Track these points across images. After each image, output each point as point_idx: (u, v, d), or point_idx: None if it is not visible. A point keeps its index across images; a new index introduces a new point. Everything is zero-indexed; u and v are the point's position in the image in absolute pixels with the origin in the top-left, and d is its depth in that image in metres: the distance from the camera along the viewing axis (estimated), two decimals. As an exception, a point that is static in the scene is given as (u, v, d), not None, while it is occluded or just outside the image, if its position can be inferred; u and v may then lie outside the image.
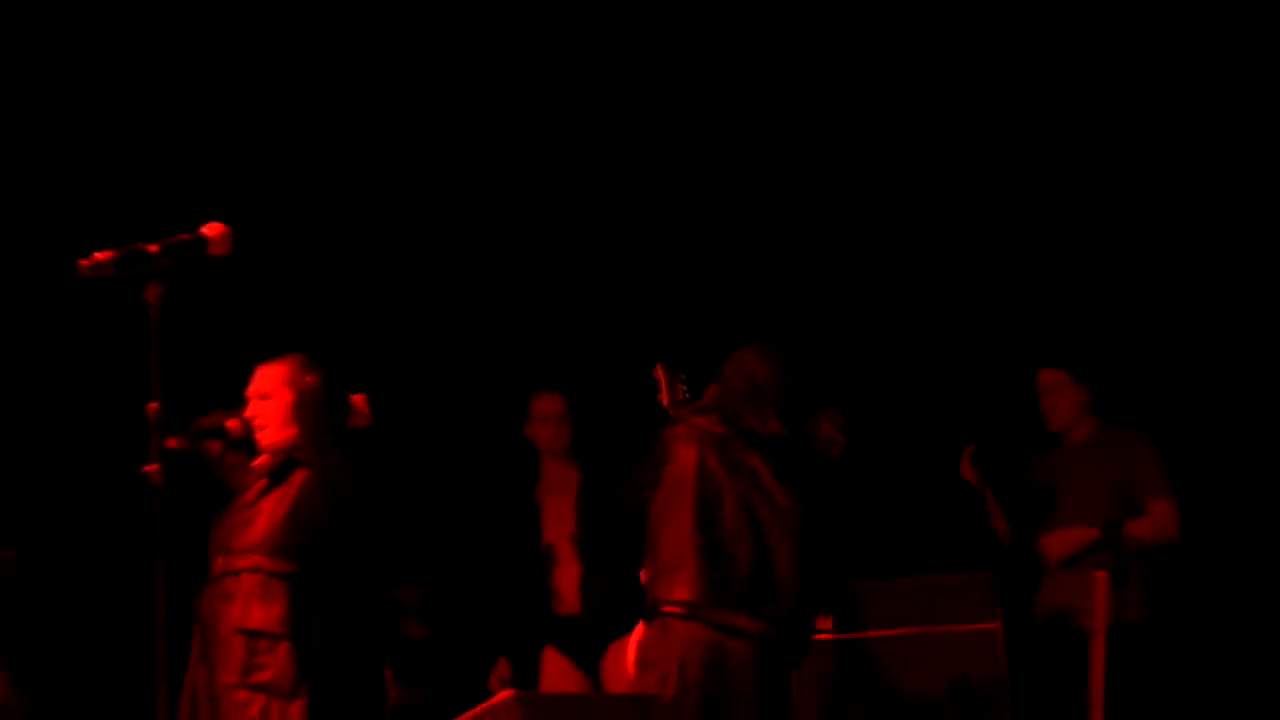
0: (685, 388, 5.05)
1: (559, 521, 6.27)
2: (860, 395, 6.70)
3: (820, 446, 5.74)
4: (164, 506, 3.65)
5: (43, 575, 5.94)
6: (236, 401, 5.02)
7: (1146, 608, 5.64)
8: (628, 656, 5.73)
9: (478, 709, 3.00)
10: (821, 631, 5.58)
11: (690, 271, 7.31)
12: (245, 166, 6.97)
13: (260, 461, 4.94)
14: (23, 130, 6.79)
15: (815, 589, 4.78)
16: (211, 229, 3.77)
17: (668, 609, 4.69)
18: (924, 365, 6.97)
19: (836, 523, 5.02)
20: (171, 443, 3.98)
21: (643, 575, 5.02)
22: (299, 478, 4.86)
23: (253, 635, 4.71)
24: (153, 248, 3.65)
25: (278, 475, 4.88)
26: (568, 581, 6.22)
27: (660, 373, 5.10)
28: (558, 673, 6.16)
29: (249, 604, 4.74)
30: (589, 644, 6.09)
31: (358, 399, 5.12)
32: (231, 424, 4.92)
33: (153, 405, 3.61)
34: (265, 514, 4.82)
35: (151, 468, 3.62)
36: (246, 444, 5.00)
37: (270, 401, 4.91)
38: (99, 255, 3.63)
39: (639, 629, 5.40)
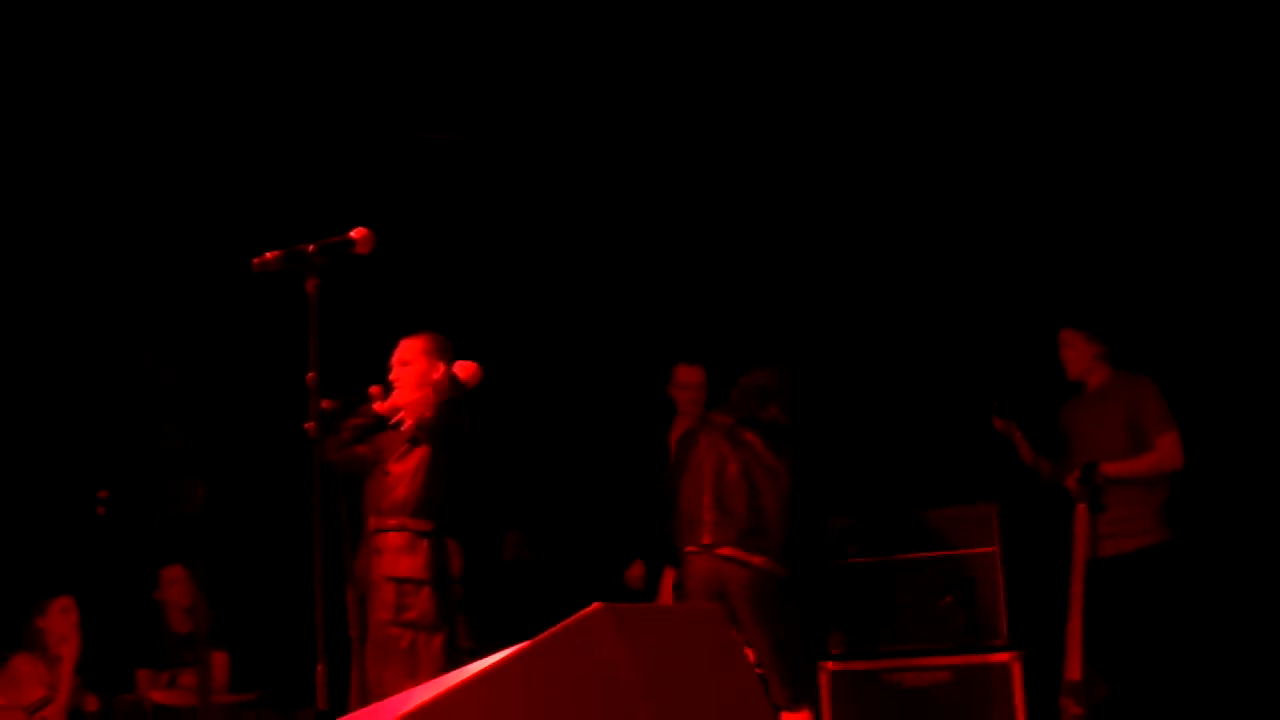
0: None
1: None
2: (917, 363, 6.98)
3: None
4: (319, 455, 3.92)
5: (227, 509, 6.22)
6: (380, 371, 5.43)
7: (1166, 529, 5.82)
8: (664, 590, 6.47)
9: (572, 618, 2.96)
10: (842, 557, 6.21)
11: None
12: (384, 177, 7.16)
13: (401, 430, 5.32)
14: (212, 157, 7.10)
15: (802, 533, 5.74)
16: (358, 232, 4.01)
17: (688, 549, 5.76)
18: (960, 330, 7.00)
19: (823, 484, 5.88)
20: (326, 404, 4.10)
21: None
22: (425, 451, 5.32)
23: (401, 582, 5.20)
24: (310, 248, 3.91)
25: (413, 444, 5.33)
26: None
27: None
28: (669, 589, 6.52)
29: (397, 557, 5.23)
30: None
31: (468, 366, 5.49)
32: (374, 390, 5.36)
33: (311, 375, 3.88)
34: (405, 481, 5.30)
35: (310, 425, 3.92)
36: (379, 424, 5.40)
37: (409, 368, 5.37)
38: (268, 255, 3.94)
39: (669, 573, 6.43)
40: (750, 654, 5.63)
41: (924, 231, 7.12)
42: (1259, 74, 6.47)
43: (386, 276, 5.77)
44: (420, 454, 5.37)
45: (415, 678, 4.95)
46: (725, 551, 5.70)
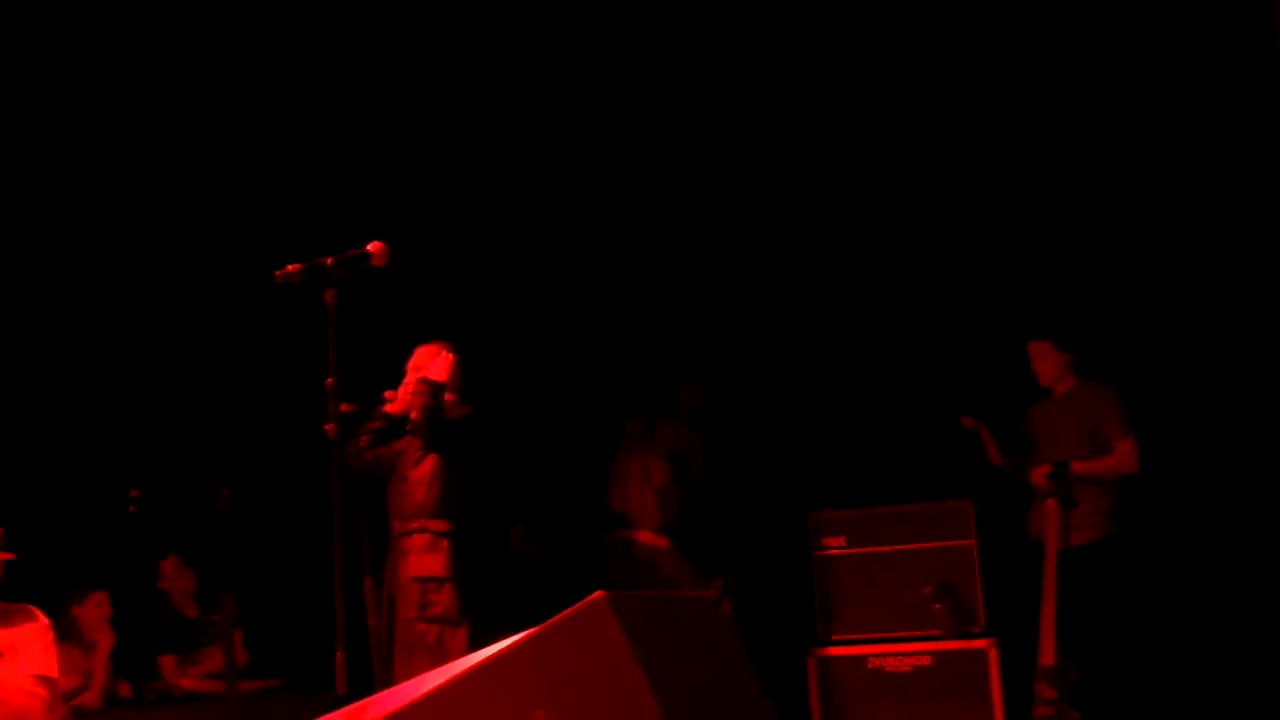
0: None
1: None
2: (896, 370, 7.01)
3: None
4: (338, 455, 3.99)
5: (251, 510, 6.09)
6: (394, 376, 5.51)
7: (1115, 525, 5.94)
8: None
9: (573, 607, 3.02)
10: (830, 549, 6.28)
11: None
12: (399, 193, 7.20)
13: (415, 440, 5.41)
14: (236, 173, 7.17)
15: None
16: (374, 246, 4.03)
17: None
18: (942, 337, 7.01)
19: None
20: (344, 408, 4.14)
21: None
22: (436, 456, 5.39)
23: (424, 581, 5.29)
24: (329, 261, 3.94)
25: (425, 450, 5.41)
26: None
27: None
28: None
29: (420, 557, 5.32)
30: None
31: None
32: (389, 394, 5.45)
33: (330, 380, 3.93)
34: (422, 486, 5.39)
35: (329, 427, 3.97)
36: (394, 428, 5.47)
37: (422, 373, 5.44)
38: (289, 267, 3.96)
39: None
40: None
41: (911, 237, 7.15)
42: (1210, 91, 6.50)
43: (401, 287, 5.71)
44: (433, 459, 5.43)
45: (442, 671, 5.02)
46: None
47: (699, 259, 7.38)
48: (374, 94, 7.20)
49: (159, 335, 7.15)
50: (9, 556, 4.41)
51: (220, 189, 7.18)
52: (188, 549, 6.89)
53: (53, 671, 4.41)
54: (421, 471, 5.43)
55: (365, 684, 4.20)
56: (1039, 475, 5.91)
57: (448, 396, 5.49)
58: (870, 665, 6.10)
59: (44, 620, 4.49)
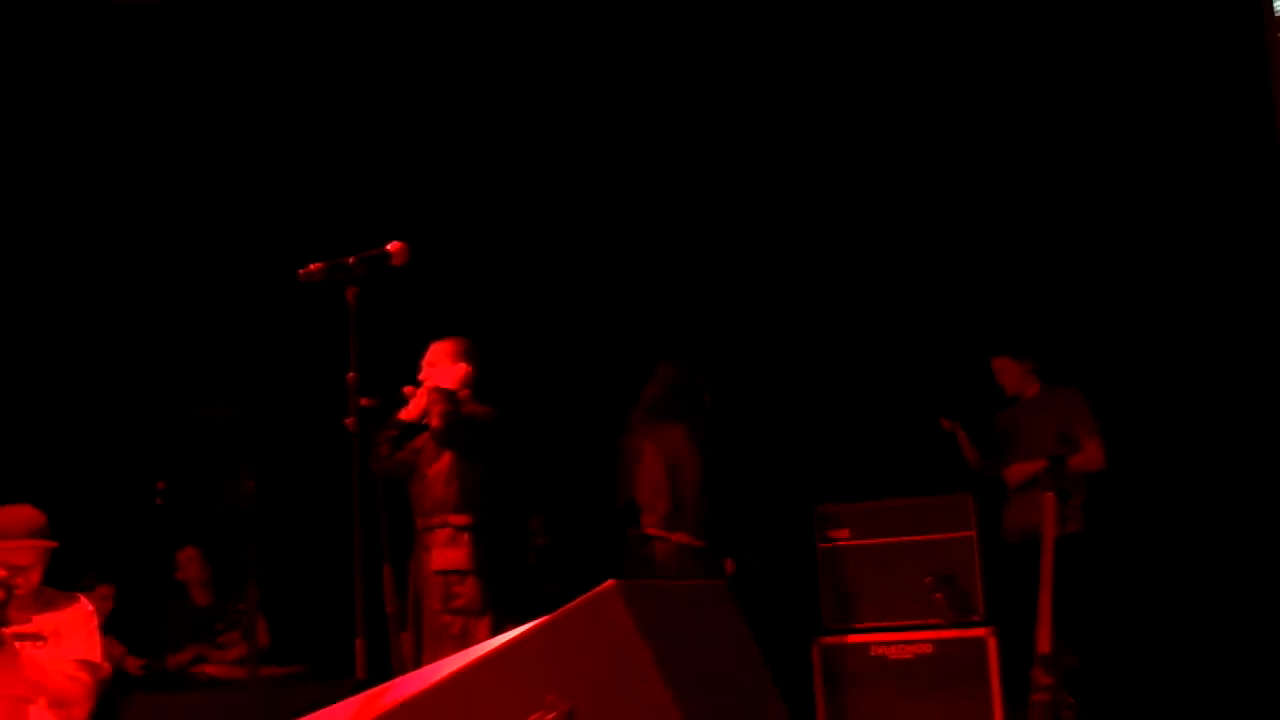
0: None
1: None
2: (900, 368, 7.05)
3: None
4: (359, 448, 3.98)
5: (274, 502, 6.31)
6: (413, 372, 5.49)
7: (1085, 522, 6.02)
8: None
9: (584, 596, 2.97)
10: (834, 540, 6.23)
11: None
12: (418, 195, 7.25)
13: (430, 436, 5.38)
14: (261, 176, 7.22)
15: None
16: (393, 246, 4.06)
17: None
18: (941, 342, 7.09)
19: None
20: (364, 402, 4.10)
21: None
22: (454, 455, 5.39)
23: (447, 574, 5.27)
24: (350, 260, 3.97)
25: (441, 448, 5.40)
26: None
27: None
28: None
29: (442, 552, 5.30)
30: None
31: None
32: (407, 390, 5.42)
33: (351, 375, 3.97)
34: (441, 482, 5.37)
35: (350, 420, 3.99)
36: (408, 434, 5.44)
37: (436, 369, 5.45)
38: (312, 266, 3.98)
39: None
40: None
41: (920, 243, 7.18)
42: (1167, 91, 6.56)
43: (420, 286, 5.72)
44: (450, 455, 5.42)
45: (467, 660, 5.00)
46: None
47: (712, 258, 7.39)
48: (394, 99, 7.22)
49: (187, 332, 7.17)
50: (53, 545, 4.39)
51: (246, 191, 7.21)
52: (212, 540, 6.90)
53: (96, 657, 4.39)
54: (439, 467, 5.41)
55: (384, 669, 4.20)
56: (1015, 473, 6.11)
57: (461, 394, 5.48)
58: (873, 653, 6.09)
59: (88, 607, 4.48)
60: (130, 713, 5.83)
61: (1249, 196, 6.44)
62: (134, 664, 6.57)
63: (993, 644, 5.88)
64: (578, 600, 2.97)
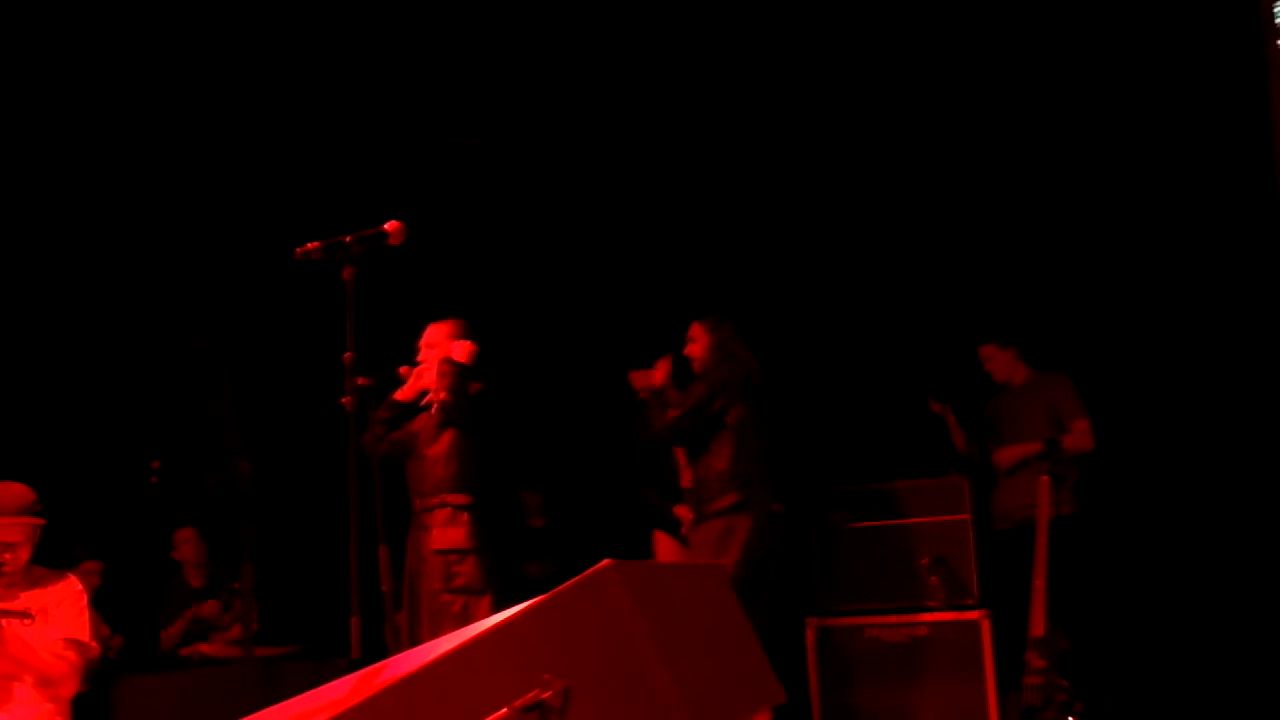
0: None
1: None
2: (898, 354, 7.05)
3: None
4: (355, 428, 3.97)
5: (270, 481, 6.21)
6: (409, 352, 5.47)
7: (1077, 504, 6.02)
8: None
9: (581, 575, 2.90)
10: (828, 524, 6.23)
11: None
12: (416, 176, 7.21)
13: (431, 413, 5.36)
14: (259, 153, 7.19)
15: None
16: (391, 225, 4.03)
17: None
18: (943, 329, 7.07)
19: None
20: (361, 381, 4.14)
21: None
22: (453, 432, 5.37)
23: (446, 553, 5.25)
24: (347, 239, 3.95)
25: (441, 427, 5.37)
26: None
27: None
28: (668, 550, 6.45)
29: (442, 531, 5.29)
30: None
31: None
32: (404, 370, 5.42)
33: (348, 355, 3.94)
34: (440, 462, 5.35)
35: (346, 400, 3.97)
36: (404, 415, 5.43)
37: (434, 350, 5.42)
38: (309, 245, 3.96)
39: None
40: None
41: (920, 235, 7.16)
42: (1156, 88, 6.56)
43: (417, 265, 5.72)
44: (449, 435, 5.37)
45: (468, 639, 4.97)
46: None
47: (705, 242, 7.36)
48: (394, 78, 7.18)
49: (183, 313, 7.13)
50: (41, 522, 4.36)
51: (243, 168, 7.16)
52: (207, 520, 6.88)
53: (84, 636, 4.37)
54: (439, 448, 5.39)
55: (379, 649, 4.18)
56: (1007, 456, 6.15)
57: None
58: (868, 635, 6.10)
59: (78, 586, 4.46)
60: (124, 693, 5.82)
61: (1241, 192, 6.43)
62: (117, 643, 6.55)
63: (987, 627, 5.89)
64: (574, 579, 2.90)
